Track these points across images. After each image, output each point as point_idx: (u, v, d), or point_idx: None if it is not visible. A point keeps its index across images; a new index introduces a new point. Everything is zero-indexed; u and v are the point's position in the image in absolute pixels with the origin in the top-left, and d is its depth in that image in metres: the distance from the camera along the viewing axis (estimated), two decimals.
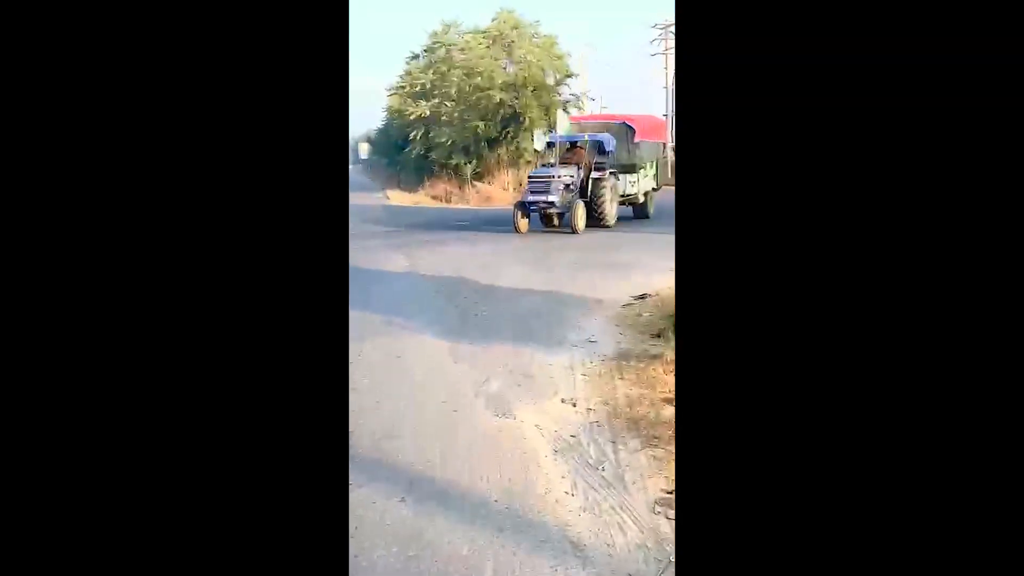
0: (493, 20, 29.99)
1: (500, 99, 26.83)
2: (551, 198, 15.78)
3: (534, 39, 29.74)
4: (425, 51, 31.33)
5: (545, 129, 18.84)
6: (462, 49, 29.60)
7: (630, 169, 18.25)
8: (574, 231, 15.72)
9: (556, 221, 16.85)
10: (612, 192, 17.01)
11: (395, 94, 32.11)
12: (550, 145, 17.68)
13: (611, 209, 16.93)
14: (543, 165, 17.83)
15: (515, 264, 11.29)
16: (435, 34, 30.89)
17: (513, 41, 29.50)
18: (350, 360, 5.92)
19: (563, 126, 18.15)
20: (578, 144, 17.42)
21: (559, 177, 16.06)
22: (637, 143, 18.45)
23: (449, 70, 29.05)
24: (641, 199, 19.10)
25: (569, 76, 29.83)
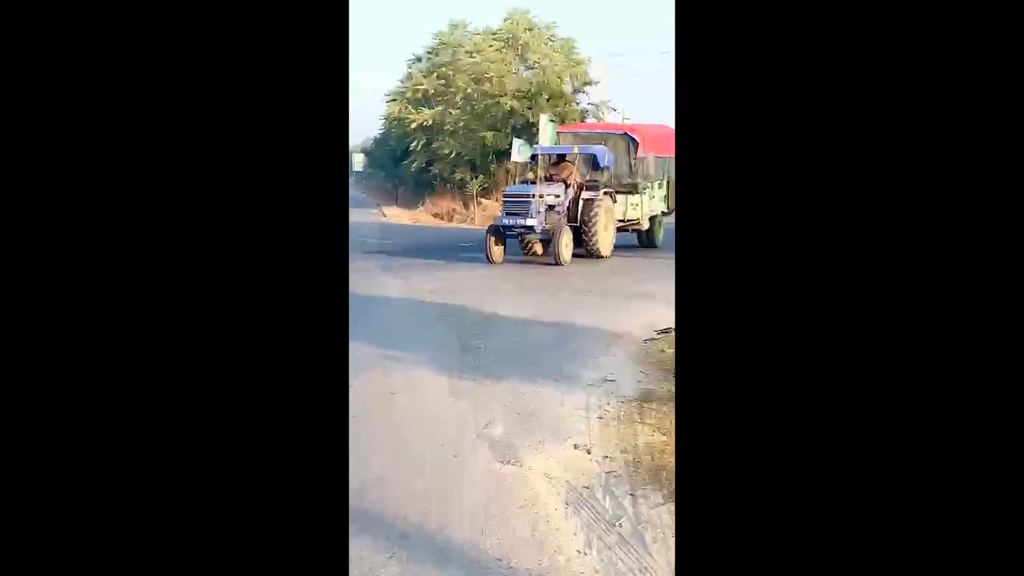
0: (505, 20, 30.26)
1: (511, 108, 27.02)
2: (530, 221, 14.52)
3: (550, 42, 29.99)
4: (429, 53, 31.59)
5: (525, 139, 17.20)
6: (470, 52, 29.83)
7: (631, 189, 16.84)
8: (558, 262, 14.43)
9: (538, 249, 15.43)
10: (607, 216, 15.71)
11: (394, 100, 32.38)
12: (533, 158, 16.23)
13: (605, 236, 15.63)
14: (523, 181, 16.64)
15: (521, 291, 11.27)
16: (441, 35, 31.15)
17: (527, 44, 29.73)
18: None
19: (547, 135, 16.45)
20: (566, 158, 16.18)
21: (540, 196, 14.80)
22: (641, 158, 16.94)
23: (455, 75, 29.29)
24: (645, 224, 17.70)
25: (588, 84, 30.06)
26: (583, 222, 15.28)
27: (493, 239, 14.94)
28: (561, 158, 16.23)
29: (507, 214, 14.95)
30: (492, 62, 28.85)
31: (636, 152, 16.86)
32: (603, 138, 17.16)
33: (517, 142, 16.53)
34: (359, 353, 6.79)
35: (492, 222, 15.90)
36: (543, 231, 14.77)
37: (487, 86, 28.11)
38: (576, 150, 16.18)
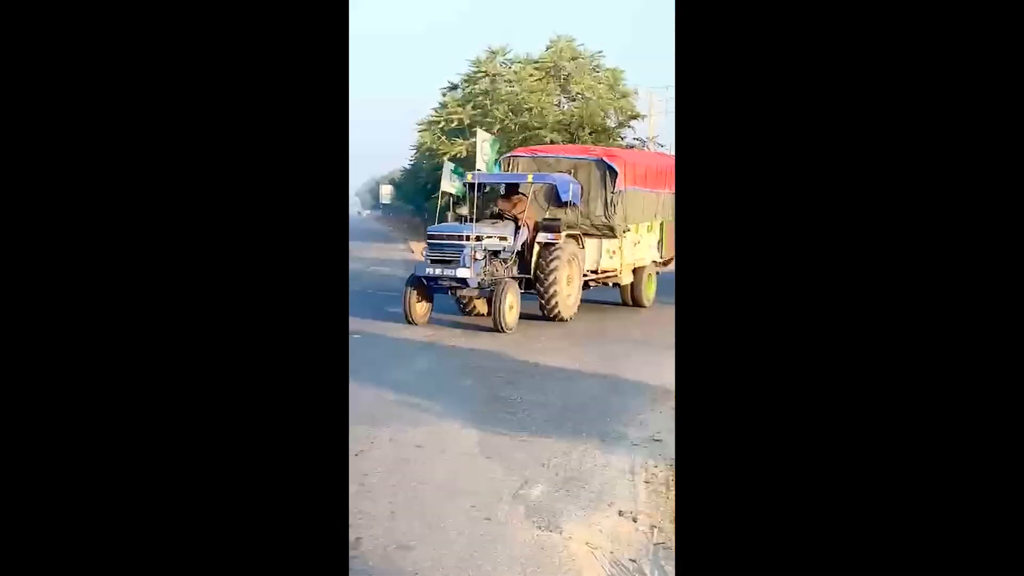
0: (548, 49, 30.42)
1: (551, 141, 27.11)
2: (462, 272, 11.59)
3: (595, 72, 30.10)
4: (465, 81, 31.79)
5: (454, 167, 13.95)
6: (509, 81, 30.00)
7: (607, 231, 13.68)
8: (499, 327, 11.51)
9: (482, 308, 12.98)
10: (571, 266, 12.80)
11: (426, 130, 32.58)
12: (471, 188, 12.74)
13: (567, 293, 12.73)
14: (458, 218, 13.29)
15: (557, 340, 11.19)
16: (478, 62, 31.33)
17: (570, 74, 29.86)
18: (360, 450, 5.85)
19: (486, 157, 13.58)
20: (520, 189, 13.24)
21: (478, 239, 11.85)
22: (620, 191, 13.53)
23: (492, 104, 29.41)
24: (627, 278, 14.70)
25: (635, 117, 30.11)
26: (538, 274, 12.42)
27: (414, 293, 12.11)
28: (513, 189, 13.37)
29: (432, 261, 12.00)
30: (532, 92, 28.95)
31: (614, 184, 13.50)
32: (573, 166, 13.94)
33: (448, 167, 13.66)
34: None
35: (414, 270, 12.55)
36: (481, 285, 11.87)
37: (526, 117, 28.20)
38: (531, 179, 13.05)
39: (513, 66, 30.81)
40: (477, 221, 12.43)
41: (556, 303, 12.45)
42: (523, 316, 12.35)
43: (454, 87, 32.30)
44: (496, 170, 14.12)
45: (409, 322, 11.99)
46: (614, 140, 28.17)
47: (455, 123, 30.26)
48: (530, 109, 28.48)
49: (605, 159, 13.82)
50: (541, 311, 12.60)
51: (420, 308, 12.22)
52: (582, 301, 13.58)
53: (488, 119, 29.37)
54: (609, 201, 13.56)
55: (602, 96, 29.14)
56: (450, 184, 13.51)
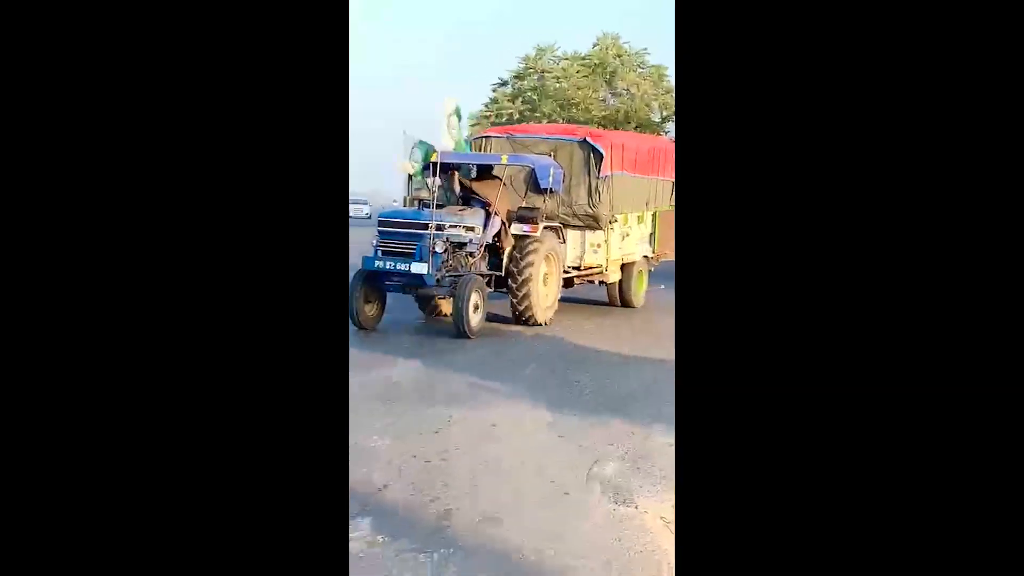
0: (594, 46, 30.39)
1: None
2: (417, 268, 9.41)
3: (640, 69, 30.00)
4: (515, 78, 31.82)
5: (420, 141, 10.82)
6: (557, 77, 30.02)
7: (591, 222, 11.49)
8: (462, 332, 9.47)
9: (445, 308, 10.66)
10: (550, 262, 10.64)
11: (476, 124, 32.67)
12: (430, 169, 10.32)
13: (543, 294, 10.54)
14: (416, 203, 11.27)
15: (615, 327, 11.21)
16: (528, 59, 31.36)
17: (615, 71, 29.80)
18: (438, 428, 5.95)
19: (453, 134, 11.25)
20: (492, 171, 11.23)
21: (438, 228, 9.68)
22: (606, 177, 11.31)
23: (541, 99, 29.47)
24: (614, 276, 12.44)
25: None
26: (510, 270, 10.26)
27: (363, 292, 9.70)
28: (485, 171, 11.32)
29: (384, 253, 9.73)
30: (579, 88, 29.02)
31: (600, 168, 11.28)
32: (553, 147, 11.59)
33: (412, 141, 10.70)
34: None
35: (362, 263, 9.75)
36: (441, 283, 9.64)
37: (573, 111, 28.25)
38: (505, 160, 10.82)
39: (561, 63, 30.81)
40: (441, 207, 10.11)
41: (529, 304, 10.23)
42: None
43: (504, 83, 32.33)
44: (467, 148, 11.59)
45: (358, 326, 9.62)
46: (658, 133, 28.06)
47: (505, 118, 30.29)
48: (577, 104, 28.50)
49: (589, 139, 11.45)
50: (512, 313, 10.47)
51: (367, 310, 9.82)
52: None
53: (536, 114, 29.43)
54: (594, 187, 11.28)
55: (647, 92, 29.09)
56: (410, 165, 10.60)
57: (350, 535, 4.04)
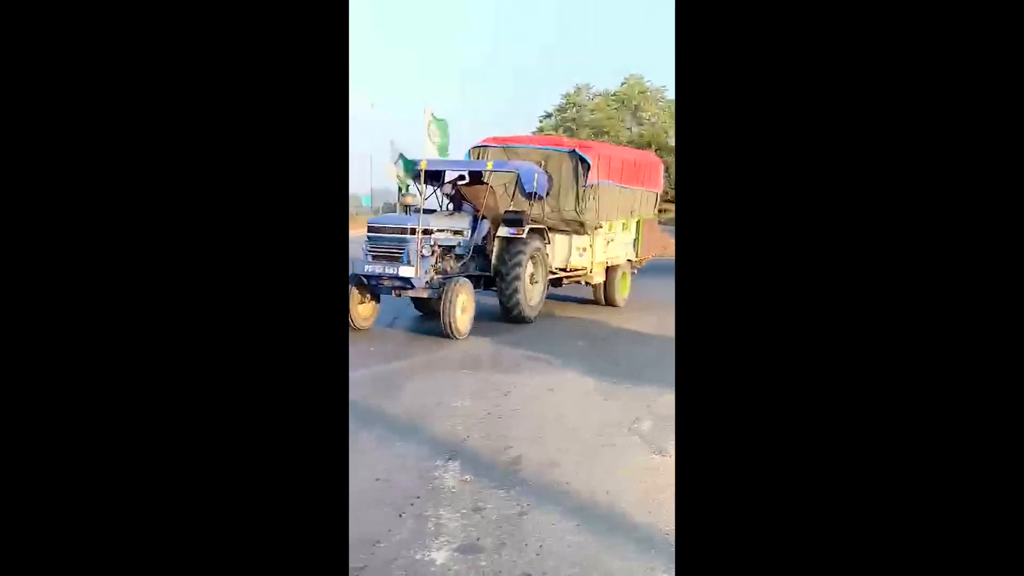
0: (622, 84, 30.46)
1: None
2: (405, 271, 8.14)
3: (659, 103, 30.00)
4: (558, 111, 31.90)
5: (400, 154, 9.22)
6: (591, 110, 30.05)
7: (577, 227, 10.21)
8: (449, 333, 8.07)
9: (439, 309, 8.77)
10: (536, 263, 9.35)
11: None
12: (424, 177, 9.08)
13: (531, 292, 9.28)
14: (404, 208, 9.36)
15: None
16: (568, 95, 31.47)
17: (639, 104, 29.81)
18: (507, 391, 5.99)
19: (435, 139, 9.49)
20: (482, 178, 9.66)
21: (425, 232, 8.31)
22: (592, 185, 10.03)
23: (578, 128, 29.46)
24: (598, 277, 11.10)
25: None
26: (499, 270, 8.99)
27: (356, 293, 8.40)
28: (475, 178, 9.85)
29: (373, 257, 8.47)
30: (609, 118, 29.05)
31: (587, 176, 10.04)
32: (544, 156, 10.34)
33: (397, 152, 9.11)
34: None
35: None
36: (431, 285, 8.33)
37: (604, 138, 28.19)
38: (491, 166, 9.45)
39: (595, 99, 30.82)
40: (430, 213, 8.99)
41: (518, 302, 9.08)
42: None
43: (549, 115, 32.39)
44: (447, 155, 9.90)
45: (352, 327, 8.29)
46: (675, 155, 27.90)
47: None
48: (607, 132, 28.46)
49: (577, 150, 10.27)
50: (502, 311, 9.26)
51: (363, 309, 8.57)
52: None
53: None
54: (581, 195, 10.07)
55: (665, 121, 28.97)
56: (401, 173, 9.09)
57: (443, 474, 4.12)
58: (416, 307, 9.69)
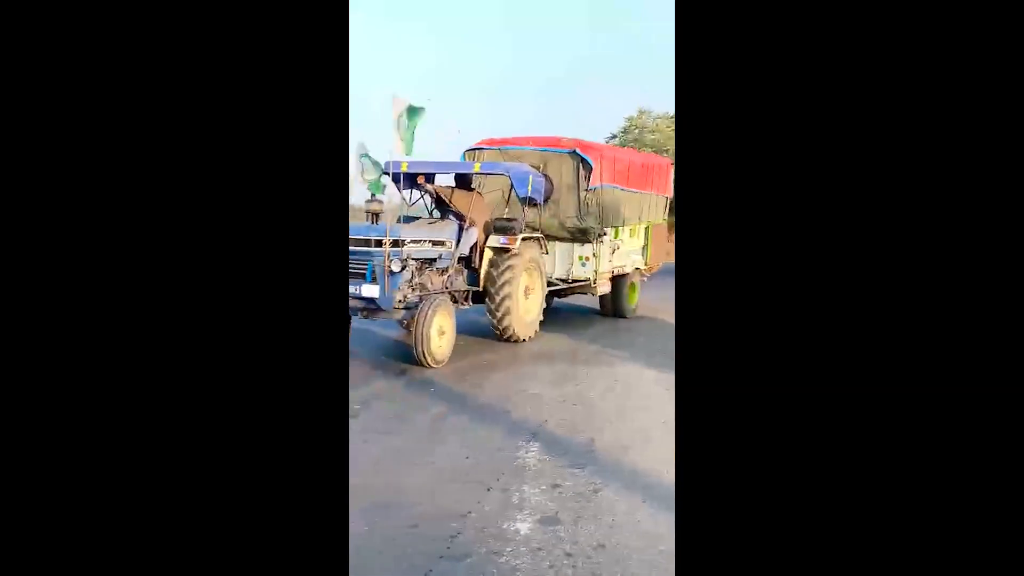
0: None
1: None
2: (368, 290, 6.18)
3: None
4: (621, 132, 31.68)
5: (362, 155, 6.84)
6: (652, 131, 29.75)
7: (579, 235, 8.40)
8: (422, 360, 6.16)
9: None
10: (532, 275, 7.59)
11: None
12: (404, 181, 7.35)
13: (525, 308, 7.49)
14: (373, 217, 6.68)
15: None
16: (630, 118, 31.26)
17: None
18: (581, 381, 5.95)
19: (402, 131, 6.86)
20: (468, 182, 7.90)
21: (395, 245, 6.28)
22: (595, 188, 8.28)
23: (640, 148, 29.20)
24: (603, 287, 8.90)
25: None
26: (487, 285, 7.21)
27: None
28: (461, 182, 7.91)
29: None
30: (669, 139, 28.75)
31: (588, 179, 8.25)
32: (543, 158, 8.41)
33: (363, 150, 6.87)
34: None
35: None
36: (407, 305, 6.34)
37: (664, 154, 27.97)
38: (478, 168, 7.53)
39: (655, 120, 30.53)
40: (412, 221, 7.23)
41: (509, 320, 7.18)
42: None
43: (614, 136, 32.20)
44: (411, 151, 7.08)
45: None
46: None
47: None
48: (667, 150, 28.14)
49: (578, 150, 8.32)
50: (492, 327, 7.32)
51: None
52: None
53: None
54: (582, 199, 8.29)
55: None
56: (368, 175, 6.82)
57: (524, 455, 4.12)
58: (400, 324, 6.68)
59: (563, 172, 8.33)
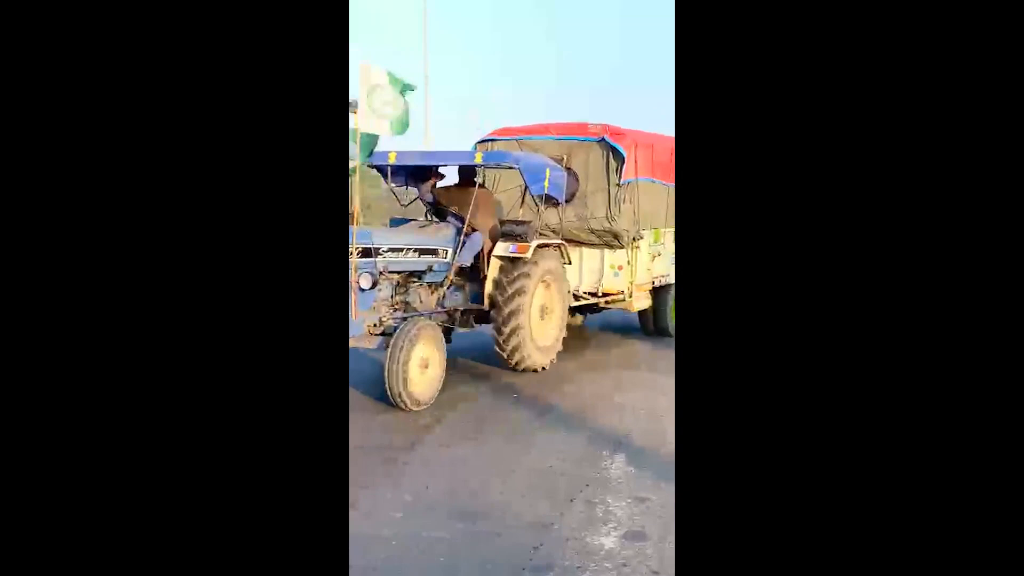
0: None
1: None
2: None
3: None
4: None
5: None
6: None
7: (611, 238, 6.81)
8: (396, 402, 4.73)
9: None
10: (550, 289, 6.12)
11: None
12: (392, 174, 6.10)
13: (538, 328, 5.94)
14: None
15: None
16: None
17: None
18: (644, 379, 5.78)
19: (372, 111, 4.82)
20: (472, 177, 6.21)
21: (366, 255, 4.92)
22: (628, 183, 6.71)
23: None
24: (641, 302, 7.20)
25: None
26: (494, 302, 5.74)
27: None
28: (467, 178, 6.22)
29: None
30: None
31: (620, 173, 6.67)
32: (567, 149, 6.86)
33: (362, 120, 4.83)
34: None
35: None
36: (383, 329, 5.09)
37: None
38: (479, 158, 5.89)
39: None
40: (400, 224, 5.87)
41: (519, 345, 5.66)
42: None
43: None
44: (404, 130, 5.34)
45: None
46: None
47: None
48: None
49: (608, 138, 6.68)
50: (498, 350, 5.76)
51: None
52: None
53: None
54: (613, 197, 6.66)
55: None
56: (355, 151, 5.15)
57: (609, 465, 4.03)
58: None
59: (590, 165, 6.78)
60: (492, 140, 7.33)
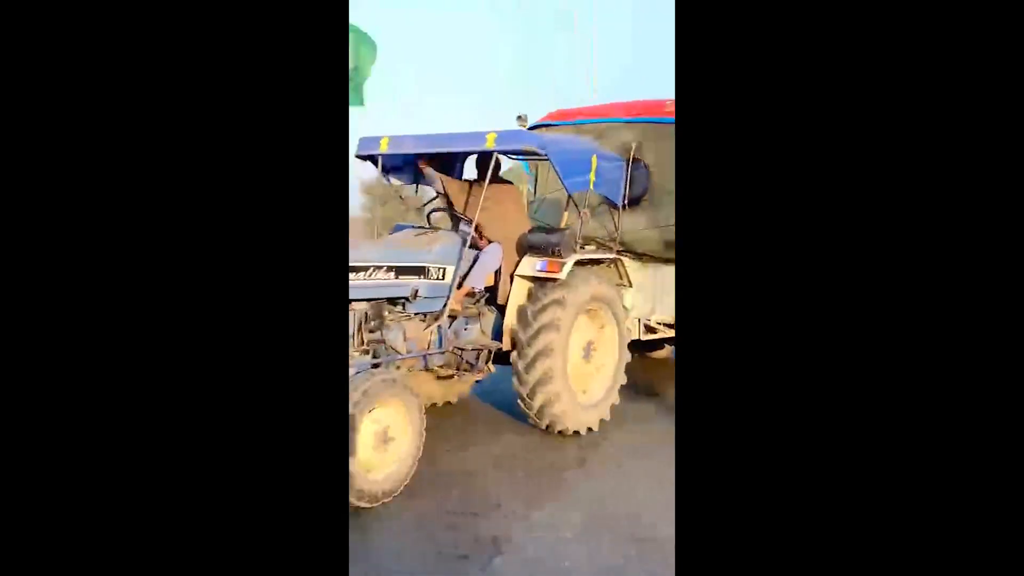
0: None
1: None
2: None
3: None
4: None
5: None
6: None
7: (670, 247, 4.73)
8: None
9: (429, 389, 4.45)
10: (598, 320, 4.33)
11: None
12: (384, 165, 4.33)
13: (578, 376, 4.16)
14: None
15: None
16: None
17: None
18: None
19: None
20: (497, 170, 4.14)
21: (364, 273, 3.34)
22: None
23: None
24: None
25: None
26: (516, 340, 3.94)
27: None
28: (487, 171, 4.03)
29: None
30: None
31: None
32: (638, 135, 4.70)
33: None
34: None
35: None
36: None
37: None
38: (491, 143, 3.75)
39: None
40: (399, 230, 4.35)
41: (547, 398, 3.96)
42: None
43: None
44: (359, 100, 4.70)
45: None
46: None
47: None
48: None
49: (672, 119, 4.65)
50: (520, 405, 4.10)
51: None
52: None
53: None
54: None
55: None
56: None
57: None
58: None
59: (659, 154, 4.68)
60: (544, 125, 5.42)
